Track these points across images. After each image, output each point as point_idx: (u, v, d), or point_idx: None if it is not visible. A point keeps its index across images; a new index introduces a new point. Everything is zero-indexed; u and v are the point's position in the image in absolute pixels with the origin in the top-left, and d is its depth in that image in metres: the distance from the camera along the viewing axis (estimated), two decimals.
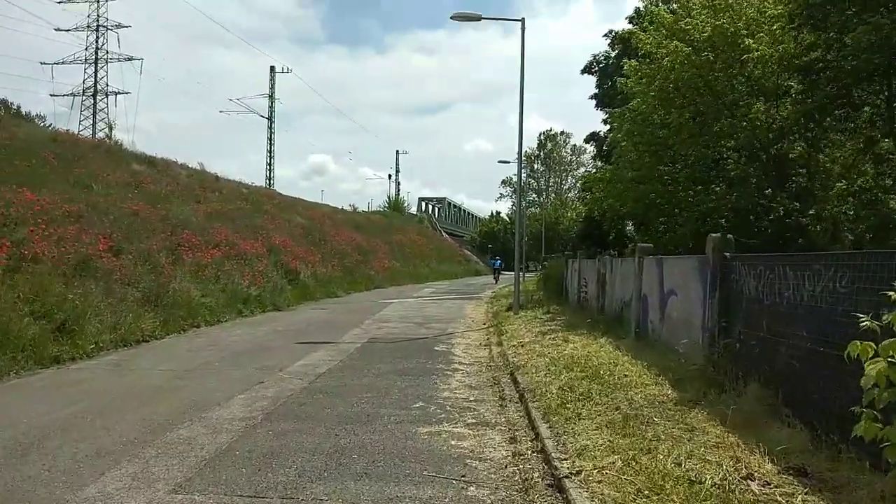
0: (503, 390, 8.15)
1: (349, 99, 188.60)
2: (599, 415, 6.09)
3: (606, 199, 16.28)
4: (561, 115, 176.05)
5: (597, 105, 24.97)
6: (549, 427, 5.96)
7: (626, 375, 7.58)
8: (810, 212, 14.74)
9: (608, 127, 25.06)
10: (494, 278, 44.38)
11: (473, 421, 6.66)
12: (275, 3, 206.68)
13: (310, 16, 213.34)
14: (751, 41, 13.91)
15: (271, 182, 57.13)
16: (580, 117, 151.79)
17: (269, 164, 57.48)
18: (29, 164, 20.70)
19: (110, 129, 49.23)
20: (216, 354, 11.21)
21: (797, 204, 15.32)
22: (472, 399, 7.69)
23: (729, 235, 7.14)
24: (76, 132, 43.44)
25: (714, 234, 7.19)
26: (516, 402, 7.43)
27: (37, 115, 49.01)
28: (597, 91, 25.17)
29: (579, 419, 6.02)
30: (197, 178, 34.38)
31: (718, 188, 15.64)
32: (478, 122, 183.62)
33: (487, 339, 13.18)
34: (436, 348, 11.97)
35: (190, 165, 36.39)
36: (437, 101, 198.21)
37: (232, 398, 7.59)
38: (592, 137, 25.18)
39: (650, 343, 9.28)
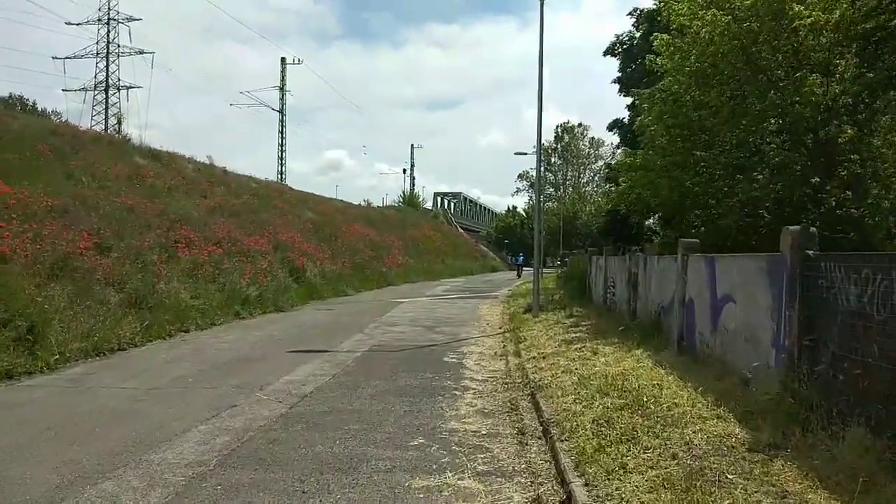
0: (523, 419, 6.67)
1: (364, 94, 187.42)
2: (651, 466, 4.60)
3: (635, 188, 14.67)
4: (577, 109, 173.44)
5: (620, 90, 23.28)
6: (586, 484, 4.48)
7: (675, 404, 6.07)
8: (869, 202, 13.08)
9: (632, 113, 23.44)
10: (517, 274, 44.26)
11: (485, 468, 5.19)
12: None
13: (324, 11, 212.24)
14: (800, 7, 12.26)
15: (283, 177, 55.99)
16: (597, 111, 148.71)
17: (281, 159, 56.32)
18: (21, 156, 19.53)
19: (119, 122, 48.30)
20: (194, 367, 9.85)
21: (849, 194, 13.68)
22: (483, 433, 6.22)
23: (812, 228, 5.59)
24: (88, 127, 42.59)
25: (792, 227, 5.64)
26: (539, 439, 5.95)
27: (53, 111, 48.20)
28: (620, 75, 23.46)
29: (625, 472, 4.54)
30: (205, 173, 33.19)
31: (761, 176, 14.00)
32: (493, 116, 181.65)
33: (503, 346, 11.70)
34: (445, 359, 10.51)
35: (198, 159, 35.23)
36: (451, 96, 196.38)
37: (189, 430, 6.19)
38: (616, 125, 23.46)
39: (699, 359, 7.75)
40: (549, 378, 7.95)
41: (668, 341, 8.97)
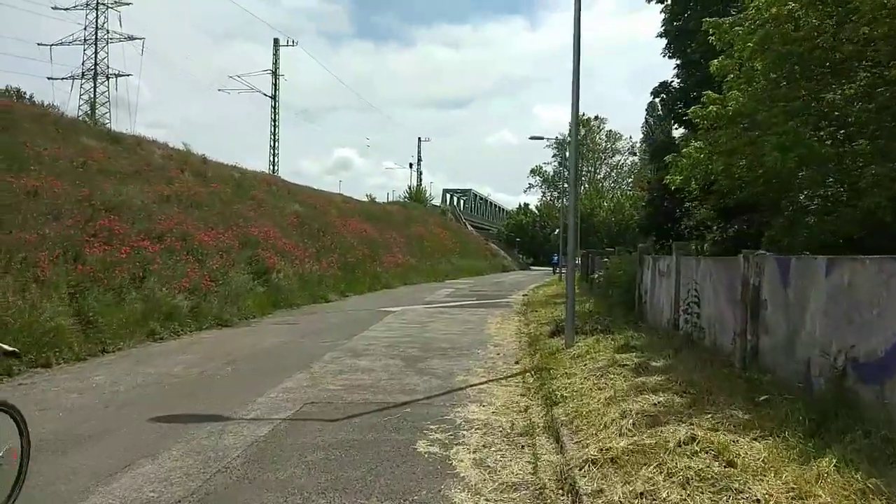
0: None
1: (375, 93, 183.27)
2: None
3: (718, 155, 9.74)
4: (587, 107, 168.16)
5: (667, 47, 18.27)
6: None
7: None
8: None
9: (682, 74, 18.52)
10: (553, 271, 45.23)
11: None
12: None
13: (337, 11, 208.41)
14: None
15: (275, 168, 51.24)
16: (608, 111, 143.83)
17: (273, 148, 51.42)
18: None
19: (92, 107, 43.81)
20: None
21: None
22: None
23: None
24: (76, 116, 38.65)
25: None
26: None
27: (49, 103, 44.72)
28: (665, 28, 18.51)
29: None
30: (177, 160, 28.67)
31: None
32: (503, 115, 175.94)
33: (526, 411, 6.85)
34: (418, 446, 5.67)
35: (171, 145, 30.83)
36: (462, 95, 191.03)
37: None
38: (663, 90, 18.42)
39: None
40: None
41: (885, 438, 4.11)
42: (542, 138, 35.18)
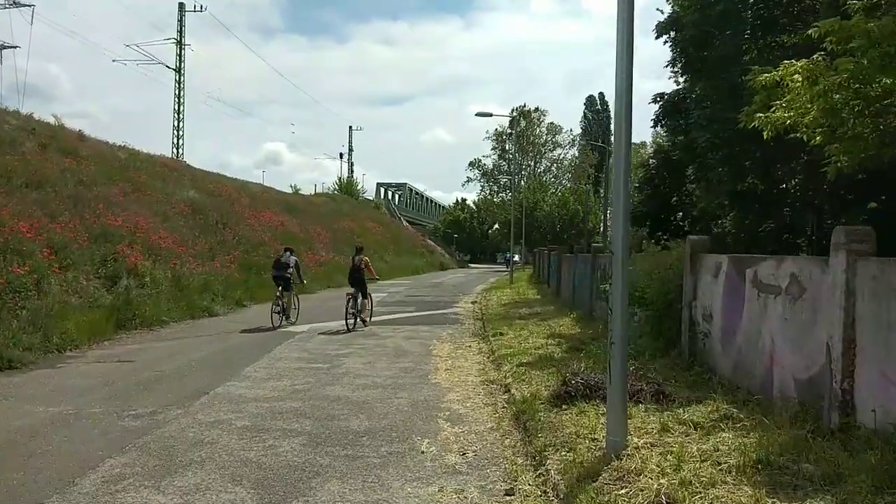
0: None
1: (310, 89, 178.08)
2: None
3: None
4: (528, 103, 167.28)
5: None
6: None
7: None
8: None
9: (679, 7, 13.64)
10: (507, 269, 42.03)
11: None
12: None
13: (269, 5, 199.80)
14: None
15: (179, 151, 44.26)
16: (549, 110, 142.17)
17: (177, 129, 44.30)
18: None
19: None
20: None
21: None
22: None
23: None
24: None
25: None
26: None
27: None
28: None
29: None
30: (42, 134, 22.26)
31: None
32: (438, 113, 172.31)
33: None
34: None
35: (38, 117, 24.36)
36: (397, 93, 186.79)
37: None
38: (672, 26, 13.33)
39: None
40: None
41: None
42: (490, 115, 30.08)
